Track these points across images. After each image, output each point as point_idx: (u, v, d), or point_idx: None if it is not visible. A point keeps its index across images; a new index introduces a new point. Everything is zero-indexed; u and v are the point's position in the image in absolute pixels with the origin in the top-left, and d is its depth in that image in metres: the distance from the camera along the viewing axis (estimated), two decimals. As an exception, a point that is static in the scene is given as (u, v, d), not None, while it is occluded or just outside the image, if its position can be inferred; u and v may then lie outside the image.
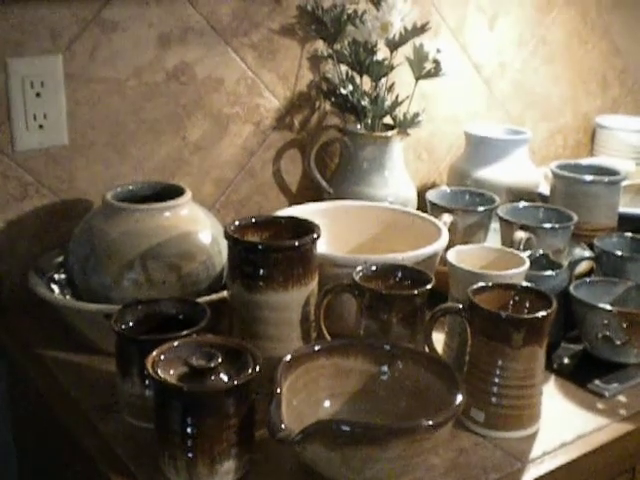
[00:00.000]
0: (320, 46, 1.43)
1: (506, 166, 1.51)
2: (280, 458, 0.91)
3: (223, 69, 1.37)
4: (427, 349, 1.00)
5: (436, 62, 1.43)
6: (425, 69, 1.43)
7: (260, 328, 1.03)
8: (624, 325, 1.08)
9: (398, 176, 1.44)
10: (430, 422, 0.81)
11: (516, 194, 1.50)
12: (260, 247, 1.01)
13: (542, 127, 1.81)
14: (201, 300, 1.06)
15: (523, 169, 1.52)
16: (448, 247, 1.27)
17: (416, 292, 1.00)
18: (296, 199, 1.47)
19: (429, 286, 1.01)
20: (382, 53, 1.38)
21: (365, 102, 1.37)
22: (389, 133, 1.41)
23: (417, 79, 1.44)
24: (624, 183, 1.55)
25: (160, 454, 0.88)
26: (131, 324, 1.01)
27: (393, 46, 1.36)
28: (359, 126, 1.42)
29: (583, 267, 1.30)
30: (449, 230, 1.31)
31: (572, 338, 1.17)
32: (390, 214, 1.32)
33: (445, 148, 1.66)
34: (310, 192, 1.47)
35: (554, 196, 1.46)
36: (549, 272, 1.14)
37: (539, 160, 1.81)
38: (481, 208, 1.34)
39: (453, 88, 1.64)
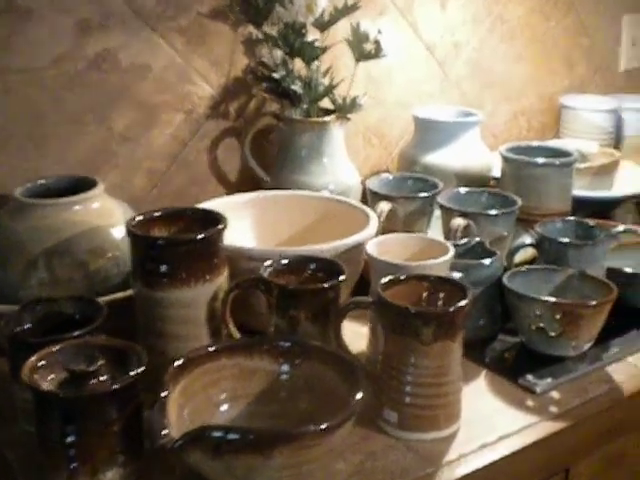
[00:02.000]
0: (255, 29, 1.37)
1: (456, 150, 1.44)
2: (173, 466, 0.85)
3: (149, 56, 1.31)
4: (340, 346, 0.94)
5: (376, 43, 1.37)
6: (365, 50, 1.37)
7: (166, 327, 0.97)
8: (557, 316, 1.01)
9: (339, 163, 1.37)
10: (319, 427, 0.75)
11: (467, 179, 1.43)
12: (160, 242, 0.95)
13: (503, 109, 1.74)
14: (105, 299, 1.00)
15: (474, 153, 1.45)
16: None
17: (325, 286, 0.93)
18: (235, 189, 1.41)
19: (341, 278, 0.95)
20: (313, 34, 1.31)
21: (297, 86, 1.30)
22: (327, 118, 1.34)
23: (357, 61, 1.38)
24: (582, 165, 1.48)
25: (45, 465, 0.83)
26: (30, 325, 0.96)
27: (321, 27, 1.29)
28: (295, 112, 1.35)
29: (529, 254, 1.23)
30: (389, 218, 1.25)
31: (511, 330, 1.11)
32: (323, 203, 1.25)
33: (397, 133, 1.59)
34: (250, 182, 1.41)
35: (504, 180, 1.39)
36: (481, 261, 1.07)
37: (501, 143, 1.73)
38: (422, 194, 1.28)
39: (404, 70, 1.58)
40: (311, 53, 1.29)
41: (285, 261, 0.99)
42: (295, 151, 1.35)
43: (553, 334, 1.02)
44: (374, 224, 1.14)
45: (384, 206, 1.25)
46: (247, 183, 1.41)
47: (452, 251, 1.01)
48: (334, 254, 1.04)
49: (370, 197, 1.30)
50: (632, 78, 1.95)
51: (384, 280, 0.91)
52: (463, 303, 0.87)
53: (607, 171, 1.51)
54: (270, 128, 1.41)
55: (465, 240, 1.15)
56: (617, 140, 1.78)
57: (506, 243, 1.24)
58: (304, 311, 0.93)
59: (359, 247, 1.08)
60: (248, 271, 1.01)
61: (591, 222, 1.19)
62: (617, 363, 1.07)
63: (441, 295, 0.93)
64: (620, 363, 1.07)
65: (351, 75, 1.38)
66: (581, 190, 1.47)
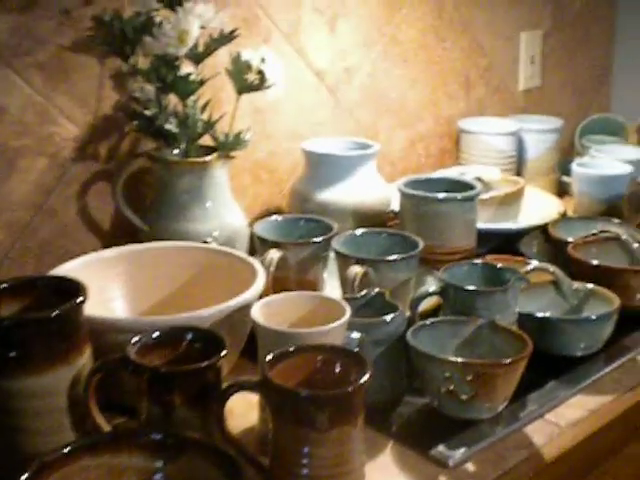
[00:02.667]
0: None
1: (350, 186, 1.33)
2: None
3: (3, 95, 1.15)
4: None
5: (260, 73, 1.25)
6: (248, 81, 1.24)
7: (21, 422, 0.83)
8: (469, 378, 0.91)
9: (224, 206, 1.24)
10: None
11: (364, 217, 1.33)
12: (5, 323, 0.81)
13: (399, 136, 1.64)
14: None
15: (370, 188, 1.35)
16: (280, 286, 1.11)
17: (203, 365, 0.80)
18: (110, 240, 1.26)
19: (223, 354, 0.82)
20: (190, 66, 1.18)
21: (171, 125, 1.17)
22: (207, 158, 1.21)
23: (239, 93, 1.25)
24: (485, 196, 1.40)
25: None
26: None
27: (196, 59, 1.16)
28: (172, 152, 1.22)
29: (434, 300, 1.13)
30: (279, 267, 1.13)
31: (419, 389, 1.00)
32: (204, 255, 1.13)
33: (288, 168, 1.48)
34: (126, 231, 1.26)
35: (403, 217, 1.29)
36: (381, 318, 0.96)
37: (400, 172, 1.64)
38: (315, 239, 1.16)
39: (293, 99, 1.46)
40: (185, 88, 1.16)
41: (156, 334, 0.86)
42: (174, 196, 1.22)
43: (465, 397, 0.92)
44: (261, 281, 1.01)
45: (273, 254, 1.13)
46: (123, 232, 1.27)
47: (348, 312, 0.90)
48: (217, 320, 0.92)
49: (258, 243, 1.18)
50: (531, 97, 1.89)
51: (270, 356, 0.79)
52: (363, 380, 0.76)
53: (512, 200, 1.42)
54: (147, 170, 1.27)
55: (364, 292, 1.03)
56: (519, 164, 1.70)
57: (409, 288, 1.13)
58: (179, 395, 0.80)
59: (245, 309, 0.95)
60: (116, 345, 0.87)
61: (499, 264, 1.09)
62: (536, 422, 0.97)
63: (337, 368, 0.81)
64: (538, 422, 0.97)
65: (234, 109, 1.25)
66: (486, 222, 1.38)
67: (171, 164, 1.21)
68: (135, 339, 0.84)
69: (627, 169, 1.43)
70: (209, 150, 1.24)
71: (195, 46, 1.14)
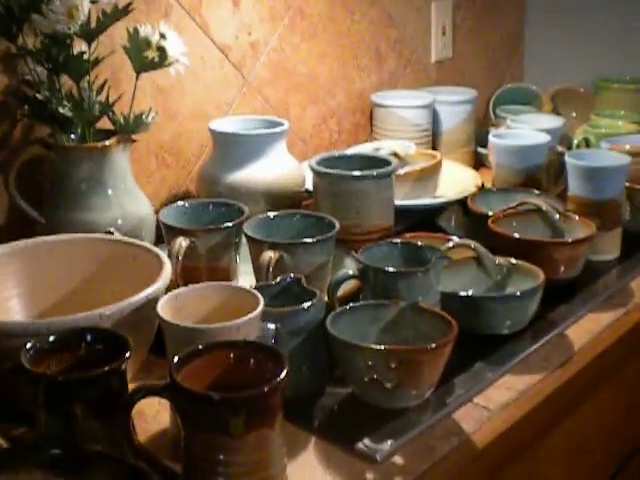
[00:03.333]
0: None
1: (261, 166, 1.27)
2: None
3: None
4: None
5: (160, 49, 1.17)
6: (147, 59, 1.16)
7: None
8: (392, 365, 0.86)
9: (126, 193, 1.16)
10: None
11: (277, 198, 1.27)
12: None
13: (311, 112, 1.58)
14: None
15: (282, 167, 1.28)
16: (191, 276, 1.04)
17: (105, 370, 0.73)
18: (4, 234, 1.17)
19: (127, 356, 0.75)
20: (82, 46, 1.09)
21: (64, 109, 1.08)
22: (107, 142, 1.13)
23: (137, 72, 1.17)
24: (401, 171, 1.35)
25: None
26: None
27: (88, 36, 1.07)
28: (68, 138, 1.13)
29: (353, 285, 1.07)
30: (188, 256, 1.06)
31: (342, 379, 0.95)
32: (107, 246, 1.04)
33: (196, 150, 1.40)
34: (21, 224, 1.17)
35: (318, 197, 1.24)
36: (298, 306, 0.90)
37: (312, 150, 1.58)
38: (225, 225, 1.09)
39: (198, 78, 1.38)
40: (78, 68, 1.08)
41: (53, 338, 0.78)
42: (72, 184, 1.13)
43: (389, 385, 0.87)
44: (167, 272, 0.94)
45: (180, 242, 1.06)
46: (18, 226, 1.18)
47: (261, 303, 0.84)
48: (119, 318, 0.84)
49: (165, 231, 1.11)
50: (444, 69, 1.85)
51: (177, 358, 0.72)
52: (280, 378, 0.70)
53: (429, 175, 1.38)
54: (43, 158, 1.18)
55: (279, 278, 0.97)
56: (434, 137, 1.66)
57: (327, 271, 1.08)
58: (80, 404, 0.73)
59: (150, 304, 0.88)
60: (10, 351, 0.79)
61: (419, 243, 1.04)
62: (464, 407, 0.93)
63: (252, 366, 0.75)
64: (467, 406, 0.93)
65: (134, 89, 1.17)
66: (403, 199, 1.34)
67: (67, 150, 1.13)
68: (29, 344, 0.76)
69: (544, 138, 1.40)
70: (109, 134, 1.16)
71: (87, 23, 1.06)
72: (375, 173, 1.20)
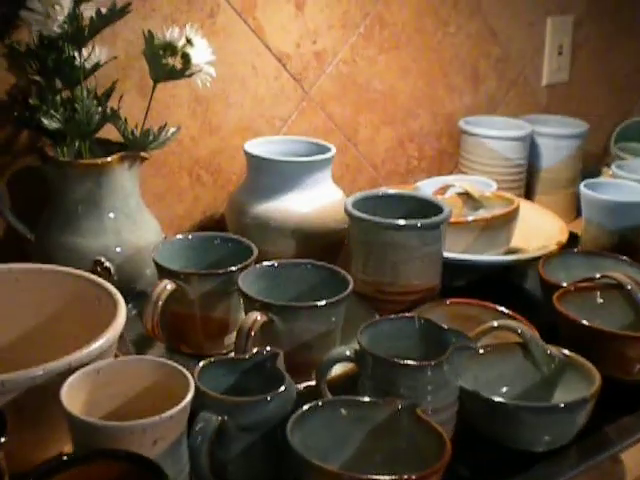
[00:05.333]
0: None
1: (295, 197, 1.09)
2: None
3: None
4: None
5: (185, 57, 1.01)
6: (167, 66, 1.01)
7: None
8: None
9: (128, 218, 1.01)
10: None
11: (310, 237, 1.09)
12: None
13: (386, 134, 1.38)
14: None
15: (320, 200, 1.10)
16: (182, 326, 0.90)
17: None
18: (-5, 249, 1.05)
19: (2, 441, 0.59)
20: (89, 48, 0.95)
21: (49, 120, 0.94)
22: (109, 159, 0.98)
23: (155, 81, 1.02)
24: (469, 218, 1.14)
25: None
26: None
27: (77, 39, 0.92)
28: (63, 151, 0.99)
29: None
30: (179, 301, 0.91)
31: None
32: (75, 283, 0.89)
33: (238, 169, 1.23)
34: (12, 241, 1.05)
35: (350, 245, 1.04)
36: (244, 398, 0.72)
37: (384, 177, 1.39)
38: (221, 270, 0.92)
39: (247, 88, 1.22)
40: (71, 74, 0.93)
41: None
42: (67, 203, 0.99)
43: (350, 519, 0.67)
44: (119, 323, 0.78)
45: (166, 286, 0.90)
46: (9, 243, 1.05)
47: (191, 390, 0.66)
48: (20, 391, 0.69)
49: (156, 269, 0.95)
50: (557, 95, 1.60)
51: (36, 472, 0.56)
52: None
53: (500, 224, 1.14)
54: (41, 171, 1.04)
55: (254, 351, 0.79)
56: (532, 174, 1.43)
57: (331, 341, 0.89)
58: None
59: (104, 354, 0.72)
60: None
61: (444, 325, 0.83)
62: None
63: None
64: None
65: (149, 99, 1.02)
66: (466, 250, 1.13)
67: (61, 165, 0.99)
68: None
69: (647, 194, 1.15)
70: (119, 149, 1.01)
71: (77, 24, 0.90)
72: (419, 224, 0.99)
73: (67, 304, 0.89)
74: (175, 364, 0.69)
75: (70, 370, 0.71)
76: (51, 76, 0.95)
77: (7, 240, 1.06)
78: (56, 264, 0.91)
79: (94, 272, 0.94)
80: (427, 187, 1.24)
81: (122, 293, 0.99)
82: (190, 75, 1.02)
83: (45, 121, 0.93)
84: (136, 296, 1.00)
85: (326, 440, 0.74)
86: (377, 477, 0.67)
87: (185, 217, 1.21)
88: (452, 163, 1.47)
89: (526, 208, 1.26)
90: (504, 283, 1.18)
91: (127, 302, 1.01)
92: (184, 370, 0.68)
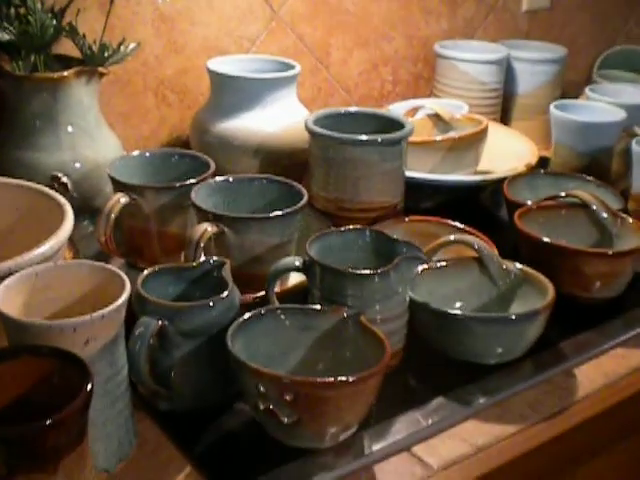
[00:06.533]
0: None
1: (258, 116, 1.07)
2: None
3: None
4: None
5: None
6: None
7: None
8: (287, 397, 0.66)
9: (86, 134, 1.00)
10: None
11: (273, 155, 1.08)
12: None
13: (359, 57, 1.36)
14: None
15: (284, 119, 1.08)
16: (138, 240, 0.89)
17: None
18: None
19: None
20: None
21: (4, 32, 0.92)
22: (65, 73, 0.96)
23: (112, -3, 1.00)
24: (438, 137, 1.13)
25: None
26: None
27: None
28: (19, 65, 0.97)
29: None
30: (135, 216, 0.90)
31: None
32: (27, 195, 0.88)
33: (205, 89, 1.21)
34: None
35: (311, 161, 1.03)
36: (183, 303, 0.72)
37: (357, 101, 1.37)
38: (177, 184, 0.91)
39: (213, 7, 1.19)
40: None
41: None
42: (23, 118, 0.98)
43: (286, 420, 0.67)
44: (64, 231, 0.77)
45: (120, 199, 0.89)
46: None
47: (126, 292, 0.65)
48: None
49: (112, 184, 0.94)
50: (538, 21, 1.57)
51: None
52: (66, 410, 0.52)
53: (467, 145, 1.12)
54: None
55: (202, 260, 0.79)
56: (506, 99, 1.41)
57: (286, 254, 0.87)
58: None
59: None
60: None
61: (394, 237, 0.82)
62: (396, 457, 0.72)
63: (56, 382, 0.57)
64: (400, 457, 0.72)
65: (107, 13, 1.00)
66: (432, 170, 1.11)
67: (16, 80, 0.97)
68: None
69: (619, 116, 1.13)
70: (79, 65, 0.99)
71: None
72: (379, 139, 0.97)
73: (20, 216, 0.88)
74: (114, 268, 0.69)
75: (10, 275, 0.70)
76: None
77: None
78: (14, 180, 0.90)
79: (51, 187, 0.92)
80: (398, 109, 1.21)
81: (81, 209, 0.99)
82: (149, -11, 1.00)
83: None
84: (94, 213, 0.99)
85: (270, 348, 0.74)
86: (315, 379, 0.67)
87: (151, 137, 1.20)
88: (428, 89, 1.44)
89: (498, 131, 1.25)
90: (473, 205, 1.17)
91: (85, 219, 1.02)
92: (122, 274, 0.68)
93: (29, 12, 0.94)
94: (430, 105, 1.21)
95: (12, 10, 0.95)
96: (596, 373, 0.84)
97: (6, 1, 0.95)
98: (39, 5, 0.95)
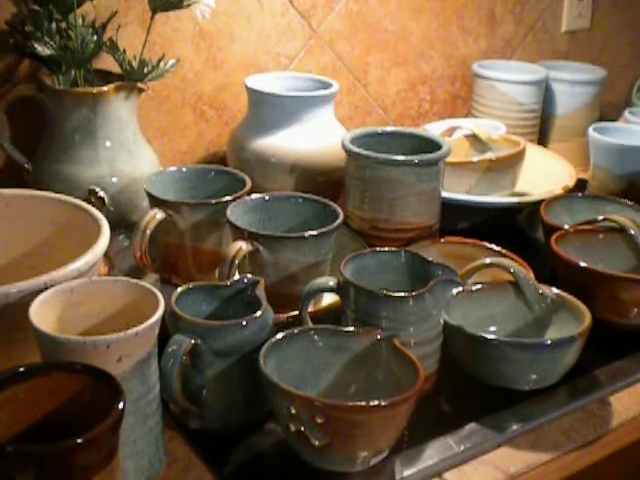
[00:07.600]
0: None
1: (295, 133, 1.07)
2: None
3: None
4: None
5: (182, -14, 1.00)
6: (166, -4, 0.99)
7: None
8: (319, 420, 0.65)
9: (124, 149, 1.00)
10: None
11: (308, 173, 1.08)
12: None
13: (397, 75, 1.36)
14: None
15: (322, 137, 1.08)
16: (173, 257, 0.90)
17: None
18: (-6, 178, 1.05)
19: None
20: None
21: (43, 47, 0.93)
22: (104, 88, 0.97)
23: (153, 11, 1.00)
24: (475, 159, 1.12)
25: None
26: None
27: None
28: (58, 79, 0.99)
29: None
30: (169, 233, 0.91)
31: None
32: (65, 209, 0.89)
33: (243, 106, 1.21)
34: (10, 169, 1.05)
35: (347, 181, 1.03)
36: (217, 322, 0.72)
37: (394, 120, 1.37)
38: (213, 201, 0.92)
39: (252, 24, 1.20)
40: (65, 1, 0.92)
41: None
42: (62, 132, 0.99)
43: (317, 443, 0.66)
44: (99, 248, 0.77)
45: (156, 215, 0.90)
46: (7, 173, 1.05)
47: (159, 312, 0.65)
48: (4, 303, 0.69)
49: (148, 199, 0.94)
50: (577, 42, 1.56)
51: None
52: (97, 429, 0.52)
53: (504, 166, 1.12)
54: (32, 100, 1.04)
55: (236, 278, 0.79)
56: (545, 121, 1.40)
57: (321, 273, 0.87)
58: None
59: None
60: None
61: (429, 259, 0.82)
62: (429, 482, 0.71)
63: (88, 398, 0.57)
64: (433, 482, 0.71)
65: (147, 30, 1.01)
66: (468, 192, 1.11)
67: (56, 94, 0.98)
68: None
69: (659, 139, 1.12)
70: (119, 80, 1.00)
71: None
72: (416, 160, 0.97)
73: (57, 230, 0.89)
74: (149, 285, 0.69)
75: (45, 290, 0.71)
76: (46, 3, 0.93)
77: (6, 170, 1.06)
78: (52, 193, 0.91)
79: (88, 202, 0.93)
80: (435, 129, 1.21)
81: (117, 224, 1.00)
82: (188, 5, 1.00)
83: (38, 47, 0.93)
84: (130, 227, 0.99)
85: (302, 369, 0.74)
86: (347, 402, 0.66)
87: (188, 153, 1.20)
88: (466, 108, 1.44)
89: (536, 153, 1.25)
90: (509, 227, 1.16)
91: (121, 233, 1.03)
92: (156, 291, 0.68)
93: (70, 27, 0.96)
94: (467, 125, 1.21)
95: (53, 25, 0.97)
96: (631, 401, 0.82)
97: (47, 16, 0.96)
98: (80, 20, 0.96)
